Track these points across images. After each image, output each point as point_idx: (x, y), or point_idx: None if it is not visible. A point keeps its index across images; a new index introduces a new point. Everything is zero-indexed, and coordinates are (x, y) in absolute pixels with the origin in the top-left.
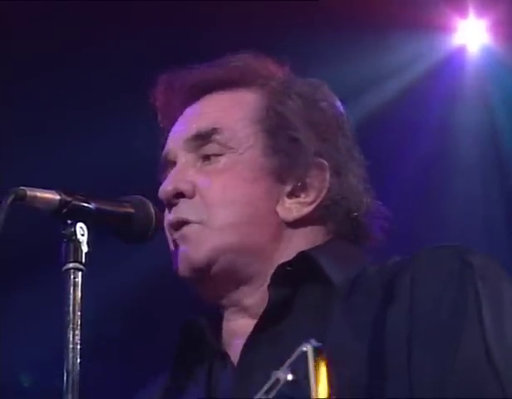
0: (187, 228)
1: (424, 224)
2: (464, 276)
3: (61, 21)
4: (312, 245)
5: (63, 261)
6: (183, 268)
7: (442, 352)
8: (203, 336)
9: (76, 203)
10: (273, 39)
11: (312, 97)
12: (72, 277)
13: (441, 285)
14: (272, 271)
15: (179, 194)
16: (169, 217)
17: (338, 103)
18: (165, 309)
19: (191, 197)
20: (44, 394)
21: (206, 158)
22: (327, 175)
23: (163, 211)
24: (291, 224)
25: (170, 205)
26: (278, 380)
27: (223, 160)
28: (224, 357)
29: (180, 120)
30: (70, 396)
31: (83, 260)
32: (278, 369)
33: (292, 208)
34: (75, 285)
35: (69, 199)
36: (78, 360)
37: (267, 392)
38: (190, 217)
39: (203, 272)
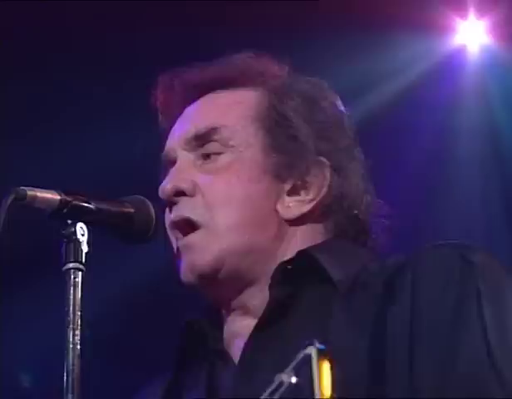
0: (190, 237)
1: (424, 222)
2: (465, 274)
3: (61, 21)
4: (313, 243)
5: (63, 261)
6: (187, 275)
7: (444, 352)
8: (204, 335)
9: (77, 203)
10: (273, 39)
11: (312, 96)
12: (72, 277)
13: (442, 284)
14: (273, 270)
15: (180, 193)
16: (171, 216)
17: (339, 102)
18: (166, 309)
19: (192, 195)
20: (44, 394)
21: (206, 156)
22: (328, 174)
23: (163, 211)
24: (291, 223)
25: (171, 204)
26: (281, 382)
27: (223, 158)
28: (225, 356)
29: (181, 119)
30: (70, 396)
31: (83, 260)
32: (279, 368)
33: (292, 206)
34: (75, 285)
35: (69, 199)
36: (78, 360)
37: (271, 394)
38: (192, 215)
39: (209, 277)
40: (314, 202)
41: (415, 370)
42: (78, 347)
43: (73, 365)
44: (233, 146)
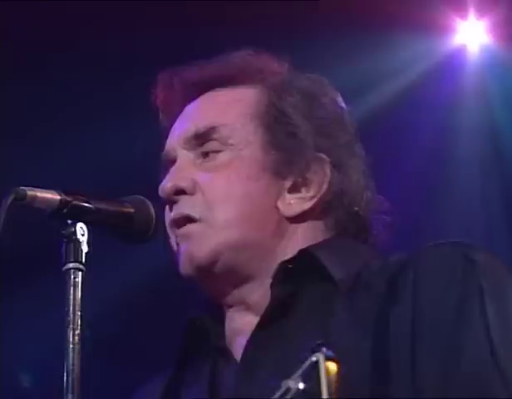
0: (189, 226)
1: (424, 221)
2: (467, 273)
3: (61, 21)
4: (314, 241)
5: (63, 261)
6: (186, 267)
7: (446, 351)
8: (206, 332)
9: (77, 203)
10: (273, 39)
11: (312, 92)
12: (72, 277)
13: (444, 282)
14: (274, 267)
15: (180, 192)
16: (171, 214)
17: (339, 98)
18: (166, 309)
19: (192, 194)
20: (44, 394)
21: (206, 155)
22: (328, 170)
23: (163, 211)
24: (292, 220)
25: (171, 203)
26: (288, 388)
27: (222, 156)
28: (227, 353)
29: (180, 118)
30: (70, 396)
31: (83, 260)
32: (280, 367)
33: (293, 203)
34: (75, 285)
35: (69, 199)
36: (78, 360)
37: None
38: (192, 213)
39: (205, 270)
40: (315, 199)
41: (417, 369)
42: (78, 347)
43: (73, 365)
44: (232, 145)
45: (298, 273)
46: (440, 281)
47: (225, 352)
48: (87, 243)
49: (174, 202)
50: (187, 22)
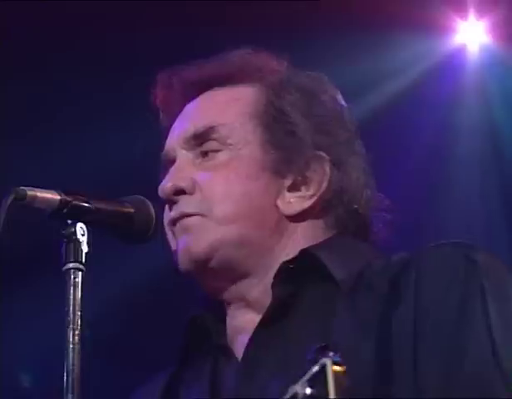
0: (188, 219)
1: (424, 218)
2: (469, 273)
3: (61, 21)
4: (314, 239)
5: (63, 261)
6: (183, 261)
7: (449, 351)
8: (207, 330)
9: (77, 203)
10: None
11: (311, 90)
12: (72, 277)
13: (446, 283)
14: (274, 265)
15: (180, 191)
16: (170, 214)
17: (339, 96)
18: (165, 309)
19: (191, 193)
20: (44, 394)
21: (205, 154)
22: (327, 168)
23: (163, 211)
24: (292, 218)
25: (171, 203)
26: (296, 394)
27: (222, 156)
28: (228, 352)
29: (179, 118)
30: (70, 396)
31: (83, 260)
32: (281, 366)
33: (292, 202)
34: (75, 285)
35: (69, 199)
36: (78, 360)
37: None
38: (191, 211)
39: (202, 264)
40: (315, 197)
41: (419, 369)
42: (78, 347)
43: (73, 365)
44: (231, 144)
45: (300, 273)
46: (441, 281)
47: (226, 351)
48: (87, 243)
49: (174, 202)
50: (187, 22)
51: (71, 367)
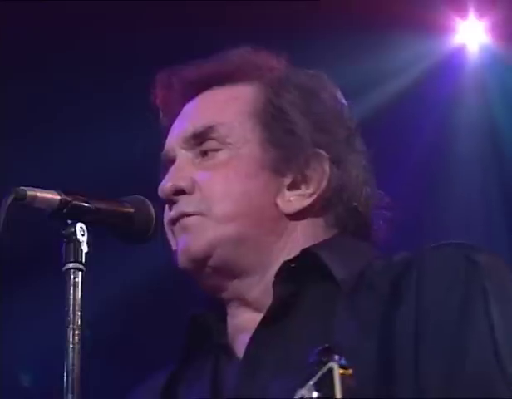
0: (187, 219)
1: (425, 216)
2: (470, 274)
3: (61, 21)
4: (314, 238)
5: (63, 261)
6: (182, 260)
7: (450, 352)
8: (208, 330)
9: (77, 203)
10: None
11: (310, 88)
12: (72, 277)
13: (448, 284)
14: (274, 264)
15: (179, 191)
16: (170, 214)
17: (338, 93)
18: (165, 309)
19: (191, 193)
20: (44, 394)
21: (204, 154)
22: (327, 166)
23: (163, 211)
24: (292, 217)
25: (170, 203)
26: (302, 398)
27: (221, 155)
28: (229, 351)
29: (179, 117)
30: (70, 396)
31: (83, 260)
32: (282, 366)
33: (292, 200)
34: (75, 285)
35: (69, 199)
36: (78, 360)
37: None
38: (191, 211)
39: (201, 263)
40: (315, 196)
41: (421, 369)
42: (78, 347)
43: (73, 365)
44: (230, 143)
45: (301, 273)
46: (443, 282)
47: (227, 349)
48: (87, 243)
49: (174, 202)
50: (187, 22)
51: (71, 367)
